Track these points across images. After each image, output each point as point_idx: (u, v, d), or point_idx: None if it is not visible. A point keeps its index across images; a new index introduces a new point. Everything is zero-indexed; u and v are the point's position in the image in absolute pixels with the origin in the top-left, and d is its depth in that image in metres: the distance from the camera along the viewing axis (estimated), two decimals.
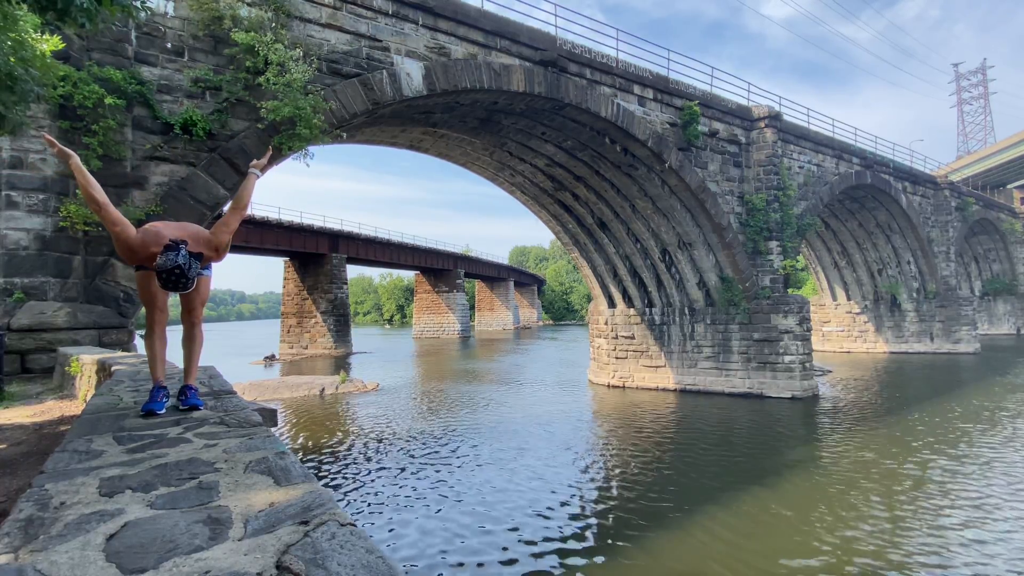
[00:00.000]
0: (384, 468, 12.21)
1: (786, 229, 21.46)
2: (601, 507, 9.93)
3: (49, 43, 5.22)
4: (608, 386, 24.06)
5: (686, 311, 22.74)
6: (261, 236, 40.57)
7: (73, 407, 5.23)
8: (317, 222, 46.06)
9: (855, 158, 27.07)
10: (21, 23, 4.14)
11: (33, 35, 4.73)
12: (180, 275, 2.77)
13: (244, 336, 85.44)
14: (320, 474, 11.91)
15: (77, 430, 2.55)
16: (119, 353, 7.07)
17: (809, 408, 18.40)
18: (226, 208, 3.22)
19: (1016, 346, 39.03)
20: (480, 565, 7.70)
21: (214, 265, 3.31)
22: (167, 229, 2.97)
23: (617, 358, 24.49)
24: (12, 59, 4.10)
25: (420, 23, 13.56)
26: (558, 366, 32.74)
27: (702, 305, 22.34)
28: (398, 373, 30.92)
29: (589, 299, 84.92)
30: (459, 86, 14.00)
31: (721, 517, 9.20)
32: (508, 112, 17.03)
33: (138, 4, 3.86)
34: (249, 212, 39.75)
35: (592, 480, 11.52)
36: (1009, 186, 63.41)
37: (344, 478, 11.59)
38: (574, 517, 9.41)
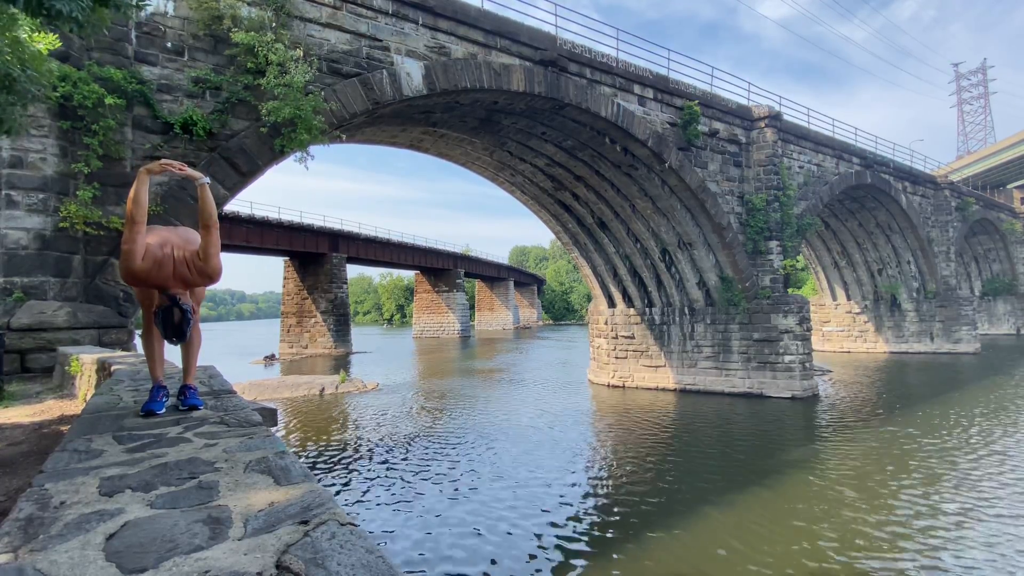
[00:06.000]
0: (384, 467, 12.21)
1: (786, 229, 21.45)
2: (600, 507, 9.93)
3: (44, 41, 5.18)
4: (608, 386, 24.06)
5: (686, 311, 22.74)
6: (261, 236, 40.56)
7: (73, 407, 5.23)
8: (317, 222, 46.08)
9: (855, 158, 27.06)
10: (19, 23, 4.13)
11: (32, 35, 4.72)
12: (177, 330, 2.99)
13: (244, 336, 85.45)
14: (320, 474, 11.91)
15: (77, 430, 2.55)
16: (119, 353, 7.07)
17: (809, 408, 18.40)
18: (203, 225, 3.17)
19: (1016, 346, 39.02)
20: (480, 564, 7.71)
21: None
22: (167, 244, 2.98)
23: (617, 358, 24.49)
24: (10, 57, 4.09)
25: (420, 23, 13.55)
26: (558, 366, 32.74)
27: (702, 305, 22.34)
28: (398, 373, 30.92)
29: (589, 299, 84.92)
30: (459, 86, 13.99)
31: (720, 517, 9.21)
32: (508, 112, 17.03)
33: (133, 1, 3.83)
34: (249, 212, 40.09)
35: (592, 480, 11.51)
36: (1009, 186, 63.41)
37: (344, 478, 11.59)
38: (573, 516, 9.41)
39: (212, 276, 3.05)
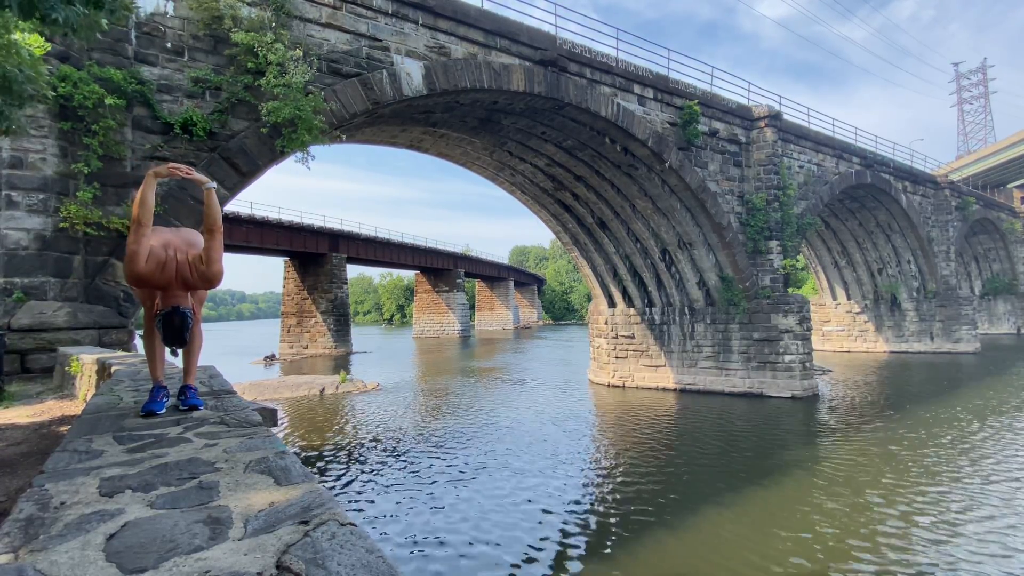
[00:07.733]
0: (384, 467, 12.22)
1: (786, 229, 21.45)
2: (600, 507, 9.93)
3: (35, 43, 5.13)
4: (608, 386, 24.06)
5: (686, 311, 22.74)
6: (261, 236, 40.57)
7: (73, 407, 5.23)
8: (317, 222, 46.09)
9: (855, 157, 27.05)
10: (16, 25, 4.13)
11: (26, 38, 4.71)
12: (177, 336, 3.06)
13: (244, 336, 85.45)
14: (320, 474, 11.91)
15: (77, 430, 2.55)
16: (119, 353, 7.07)
17: (809, 408, 18.40)
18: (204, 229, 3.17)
19: (1016, 345, 39.02)
20: (479, 563, 7.71)
21: None
22: (169, 246, 2.98)
23: (617, 358, 24.49)
24: (6, 55, 4.08)
25: (420, 23, 13.55)
26: (558, 366, 32.73)
27: (702, 305, 22.34)
28: (398, 373, 30.92)
29: (589, 299, 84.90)
30: (459, 86, 13.99)
31: (720, 517, 9.21)
32: (508, 112, 17.02)
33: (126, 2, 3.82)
34: (249, 212, 40.09)
35: (591, 479, 11.51)
36: (1009, 186, 63.43)
37: (344, 477, 11.59)
38: (573, 516, 9.41)
39: (213, 280, 3.06)
